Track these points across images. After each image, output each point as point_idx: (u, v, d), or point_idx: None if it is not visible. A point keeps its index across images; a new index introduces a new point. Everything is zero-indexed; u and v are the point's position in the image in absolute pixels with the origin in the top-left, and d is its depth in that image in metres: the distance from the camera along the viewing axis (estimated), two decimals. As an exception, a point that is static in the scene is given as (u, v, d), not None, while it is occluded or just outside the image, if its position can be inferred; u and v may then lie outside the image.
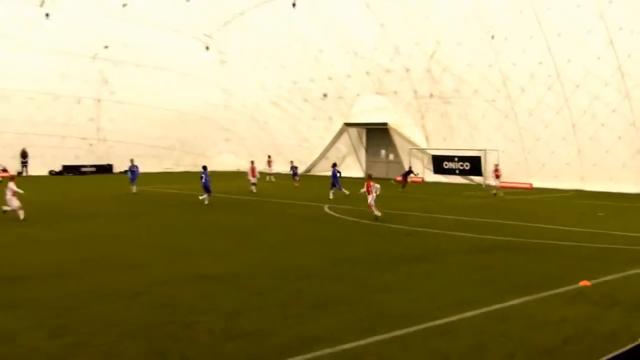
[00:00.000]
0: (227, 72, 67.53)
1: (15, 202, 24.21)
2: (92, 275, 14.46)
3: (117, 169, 57.90)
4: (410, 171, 46.99)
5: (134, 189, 36.95)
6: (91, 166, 58.57)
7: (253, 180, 40.34)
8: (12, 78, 51.45)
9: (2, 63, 50.82)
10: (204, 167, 33.20)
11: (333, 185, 36.72)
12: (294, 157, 55.79)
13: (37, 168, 54.40)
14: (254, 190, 39.36)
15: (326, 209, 29.89)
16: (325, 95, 55.92)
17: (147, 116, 61.17)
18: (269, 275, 14.80)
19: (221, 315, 11.14)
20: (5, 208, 24.42)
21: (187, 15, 60.33)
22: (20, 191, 24.34)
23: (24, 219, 23.70)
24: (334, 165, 39.20)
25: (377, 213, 25.82)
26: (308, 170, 62.17)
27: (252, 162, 42.01)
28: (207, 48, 65.34)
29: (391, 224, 24.59)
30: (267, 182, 48.24)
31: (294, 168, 49.42)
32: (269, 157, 55.69)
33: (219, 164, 68.19)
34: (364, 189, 26.82)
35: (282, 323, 10.68)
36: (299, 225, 24.61)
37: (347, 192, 35.81)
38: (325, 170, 61.88)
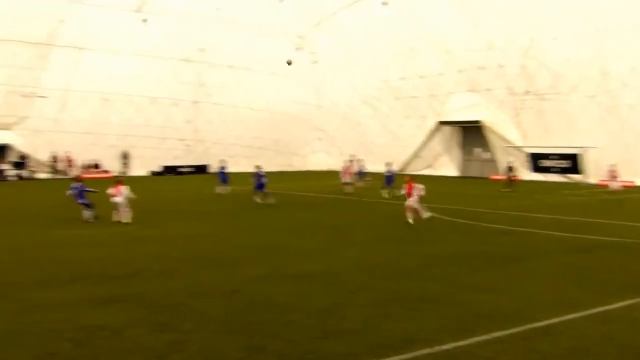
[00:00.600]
0: (318, 72, 68.02)
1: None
2: (190, 273, 14.83)
3: (213, 169, 59.30)
4: (510, 167, 45.93)
5: (223, 189, 36.26)
6: (189, 166, 60.27)
7: (347, 179, 38.02)
8: (112, 82, 53.63)
9: (103, 68, 53.02)
10: (258, 168, 32.72)
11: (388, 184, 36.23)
12: (385, 156, 55.54)
13: (138, 169, 56.39)
14: (349, 191, 37.61)
15: (419, 208, 29.58)
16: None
17: (241, 117, 62.49)
18: (362, 273, 14.78)
19: (316, 313, 11.21)
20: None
21: (279, 16, 61.15)
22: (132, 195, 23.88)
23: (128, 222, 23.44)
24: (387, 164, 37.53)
25: (427, 214, 23.98)
26: (400, 170, 61.90)
27: (350, 161, 41.24)
28: (299, 48, 65.94)
29: (487, 223, 24.15)
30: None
31: (361, 167, 45.74)
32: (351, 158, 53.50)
33: (311, 163, 68.92)
34: (403, 191, 24.88)
35: (377, 322, 10.64)
36: (390, 224, 24.48)
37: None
38: (418, 170, 61.55)
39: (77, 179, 25.64)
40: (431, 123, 60.23)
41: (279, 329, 10.25)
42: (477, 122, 55.86)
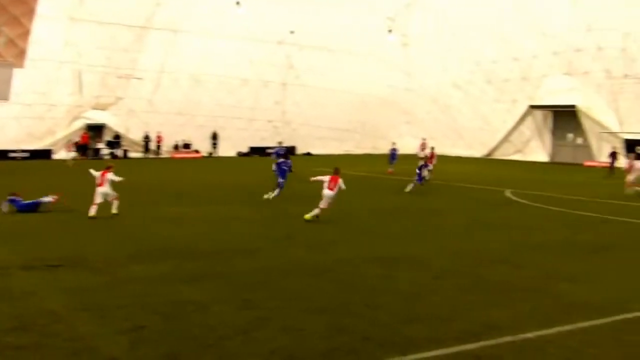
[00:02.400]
0: (408, 54, 67.40)
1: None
2: (279, 252, 15.15)
3: (299, 150, 59.81)
4: (614, 153, 44.66)
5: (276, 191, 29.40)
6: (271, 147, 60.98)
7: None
8: (205, 64, 54.67)
9: (196, 50, 54.09)
10: (281, 154, 27.25)
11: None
12: (475, 141, 54.75)
13: (227, 149, 57.49)
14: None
15: (508, 193, 29.13)
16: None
17: (329, 99, 62.61)
18: (449, 259, 14.74)
19: (401, 297, 11.29)
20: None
21: (370, -2, 60.85)
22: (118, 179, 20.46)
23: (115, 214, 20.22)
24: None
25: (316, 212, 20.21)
26: (489, 154, 60.83)
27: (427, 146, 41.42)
28: (390, 30, 65.46)
29: (581, 212, 23.52)
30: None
31: (393, 151, 43.08)
32: (424, 140, 51.84)
33: (400, 147, 68.45)
34: (316, 178, 20.77)
35: (461, 308, 10.63)
36: (480, 210, 24.17)
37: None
38: (507, 155, 60.35)
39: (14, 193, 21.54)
40: (522, 107, 58.78)
41: (364, 310, 10.38)
42: (571, 106, 54.15)
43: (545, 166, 52.48)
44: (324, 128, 62.65)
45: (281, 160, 26.70)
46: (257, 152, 58.84)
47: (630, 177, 30.84)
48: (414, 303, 10.90)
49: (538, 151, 59.13)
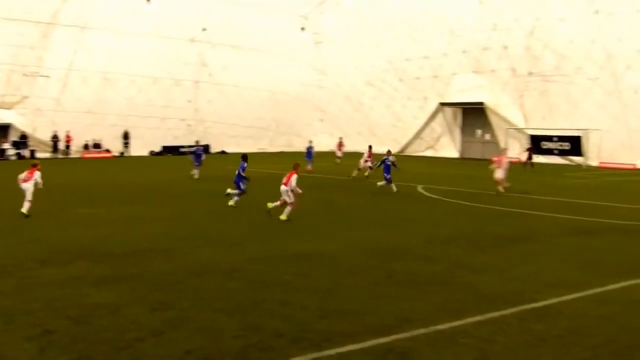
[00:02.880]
0: (322, 52, 67.79)
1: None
2: (191, 251, 14.90)
3: (213, 149, 59.22)
4: (530, 149, 46.67)
5: (197, 173, 33.49)
6: (189, 146, 60.07)
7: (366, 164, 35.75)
8: (115, 62, 53.42)
9: (106, 47, 52.79)
10: (244, 157, 23.20)
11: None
12: (388, 137, 55.57)
13: (139, 148, 56.35)
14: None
15: (420, 189, 29.66)
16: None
17: (242, 97, 62.32)
18: (362, 254, 14.84)
19: (315, 293, 11.28)
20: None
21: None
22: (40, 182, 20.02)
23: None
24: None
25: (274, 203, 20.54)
26: (402, 150, 61.82)
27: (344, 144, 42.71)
28: (303, 29, 65.64)
29: (489, 205, 24.17)
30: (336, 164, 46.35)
31: (309, 148, 42.83)
32: (340, 139, 51.70)
33: (314, 144, 68.69)
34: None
35: (375, 303, 10.70)
36: (392, 205, 24.52)
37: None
38: (418, 151, 61.51)
39: None
40: (433, 104, 60.10)
41: (277, 308, 10.31)
42: (479, 103, 55.71)
43: (456, 162, 53.82)
44: (237, 126, 62.29)
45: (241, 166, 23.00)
46: (170, 151, 57.93)
47: (499, 175, 28.17)
48: (328, 299, 10.90)
49: (449, 147, 60.58)
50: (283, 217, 19.84)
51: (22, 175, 19.90)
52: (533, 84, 52.38)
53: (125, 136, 55.75)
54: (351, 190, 29.94)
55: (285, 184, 20.03)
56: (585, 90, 48.86)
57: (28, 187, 19.75)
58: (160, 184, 31.34)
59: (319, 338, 8.90)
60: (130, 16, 53.33)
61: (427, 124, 61.33)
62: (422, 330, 9.22)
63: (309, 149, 42.39)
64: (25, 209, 19.61)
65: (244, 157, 23.09)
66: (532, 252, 15.40)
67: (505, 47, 52.91)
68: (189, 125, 60.27)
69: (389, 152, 30.36)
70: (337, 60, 66.59)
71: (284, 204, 20.14)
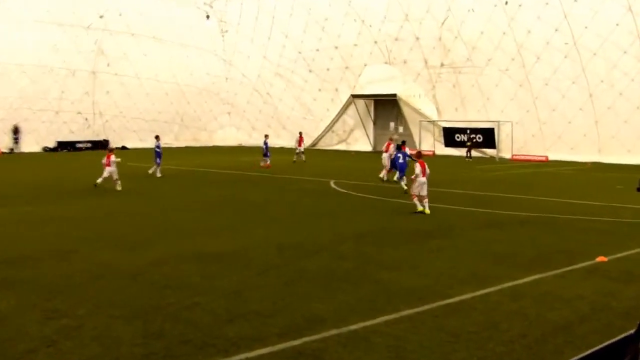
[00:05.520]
0: (228, 42, 67.29)
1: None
2: (90, 254, 14.48)
3: (113, 144, 57.78)
4: (470, 140, 48.37)
5: (159, 172, 33.49)
6: (87, 142, 58.52)
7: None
8: (4, 51, 51.37)
9: (-7, 35, 50.78)
10: (157, 137, 34.47)
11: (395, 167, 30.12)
12: (298, 131, 55.66)
13: (31, 144, 54.45)
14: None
15: (332, 184, 29.89)
16: None
17: (145, 89, 61.19)
18: (272, 252, 14.80)
19: (223, 295, 11.15)
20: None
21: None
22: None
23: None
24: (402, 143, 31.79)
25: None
26: (314, 144, 62.11)
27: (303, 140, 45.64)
28: (208, 17, 64.99)
29: (400, 200, 24.55)
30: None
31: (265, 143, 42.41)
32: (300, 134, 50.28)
33: (220, 139, 68.17)
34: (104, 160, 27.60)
35: (285, 303, 10.67)
36: (304, 201, 24.62)
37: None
38: (331, 145, 61.92)
39: None
40: (345, 96, 60.63)
41: (182, 312, 10.13)
42: (392, 95, 56.53)
43: (369, 155, 54.41)
44: (139, 120, 61.13)
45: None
46: (66, 146, 56.25)
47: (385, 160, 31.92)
48: (236, 301, 10.79)
49: (361, 140, 61.24)
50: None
51: None
52: (445, 76, 53.61)
53: (15, 131, 53.74)
54: (263, 186, 29.89)
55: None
56: (496, 81, 50.38)
57: None
58: (56, 183, 30.49)
59: (226, 343, 8.79)
60: (20, 1, 51.45)
61: (338, 116, 61.80)
62: (334, 331, 9.24)
63: (265, 144, 41.42)
64: None
65: (157, 136, 34.37)
66: (444, 247, 15.70)
67: (417, 38, 53.89)
68: (86, 119, 58.68)
69: (403, 143, 31.33)
70: (244, 51, 66.28)
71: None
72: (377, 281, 12.20)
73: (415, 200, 21.19)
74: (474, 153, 51.44)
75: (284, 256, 14.43)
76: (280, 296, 11.12)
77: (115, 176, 27.23)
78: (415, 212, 20.93)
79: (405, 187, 26.54)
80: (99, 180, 27.11)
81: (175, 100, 64.00)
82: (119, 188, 26.82)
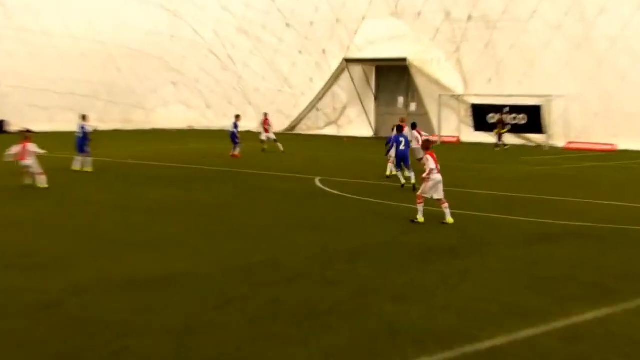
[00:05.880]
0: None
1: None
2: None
3: (13, 126, 57.36)
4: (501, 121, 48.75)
5: (87, 164, 34.58)
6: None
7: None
8: None
9: None
10: (84, 117, 35.65)
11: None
12: (271, 107, 55.38)
13: None
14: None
15: (318, 182, 29.93)
16: None
17: (57, 50, 60.86)
18: (235, 277, 14.84)
19: (165, 336, 11.16)
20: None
21: None
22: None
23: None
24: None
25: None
26: (292, 127, 62.03)
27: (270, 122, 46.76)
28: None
29: (408, 204, 24.43)
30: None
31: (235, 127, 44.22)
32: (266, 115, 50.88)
33: (163, 118, 67.87)
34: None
35: (253, 347, 10.69)
36: (279, 206, 24.66)
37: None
38: (316, 129, 61.77)
39: None
40: (336, 61, 60.42)
41: (109, 358, 10.19)
42: (401, 59, 56.20)
43: (368, 143, 54.01)
44: (49, 92, 60.75)
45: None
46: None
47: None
48: (185, 344, 10.83)
49: (358, 122, 60.91)
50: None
51: None
52: (474, 32, 53.42)
53: None
54: (223, 185, 29.92)
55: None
56: (545, 41, 50.27)
57: None
58: None
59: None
60: None
61: (327, 88, 61.56)
62: (317, 387, 9.34)
63: (235, 127, 43.08)
64: None
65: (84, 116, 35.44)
66: (470, 270, 15.76)
67: (436, -19, 53.95)
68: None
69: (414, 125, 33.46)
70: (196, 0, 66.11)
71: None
72: (378, 317, 12.23)
73: (420, 207, 21.20)
74: (511, 139, 51.41)
75: (251, 282, 14.46)
76: (247, 337, 11.15)
77: (37, 169, 27.59)
78: (413, 221, 20.98)
79: (404, 182, 27.34)
80: (28, 182, 27.67)
81: (99, 65, 63.71)
82: (43, 185, 27.44)
